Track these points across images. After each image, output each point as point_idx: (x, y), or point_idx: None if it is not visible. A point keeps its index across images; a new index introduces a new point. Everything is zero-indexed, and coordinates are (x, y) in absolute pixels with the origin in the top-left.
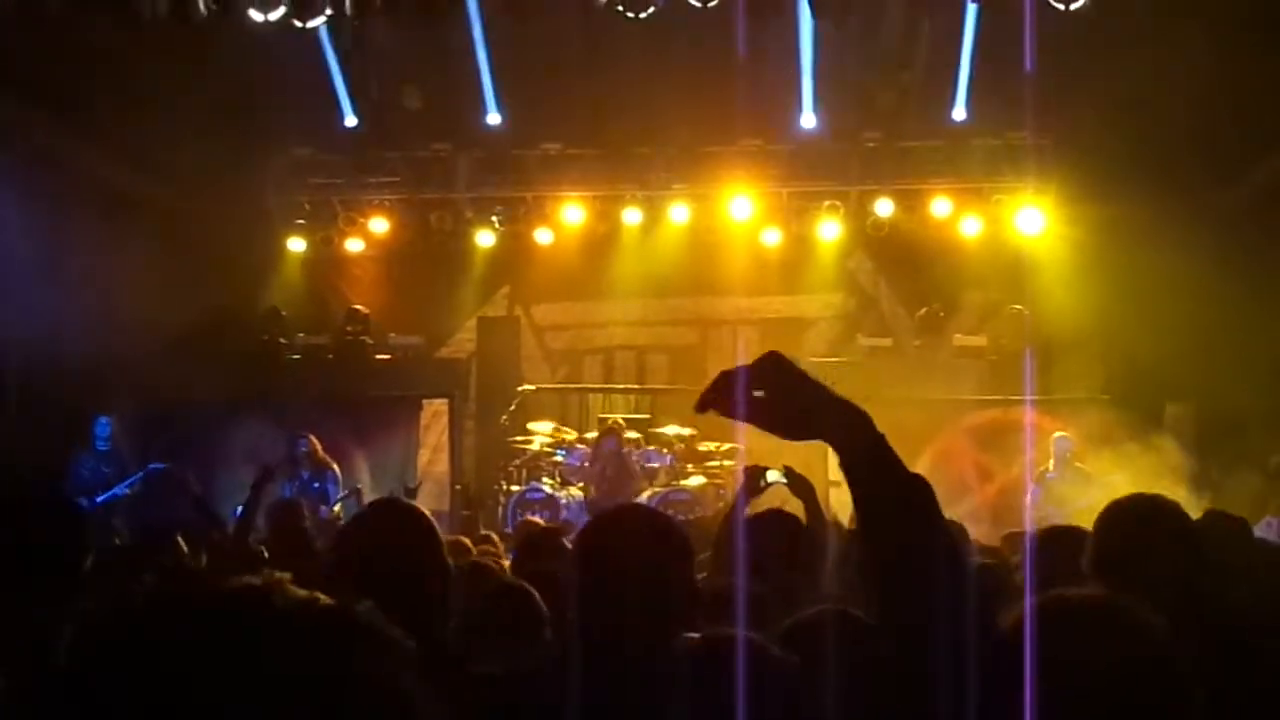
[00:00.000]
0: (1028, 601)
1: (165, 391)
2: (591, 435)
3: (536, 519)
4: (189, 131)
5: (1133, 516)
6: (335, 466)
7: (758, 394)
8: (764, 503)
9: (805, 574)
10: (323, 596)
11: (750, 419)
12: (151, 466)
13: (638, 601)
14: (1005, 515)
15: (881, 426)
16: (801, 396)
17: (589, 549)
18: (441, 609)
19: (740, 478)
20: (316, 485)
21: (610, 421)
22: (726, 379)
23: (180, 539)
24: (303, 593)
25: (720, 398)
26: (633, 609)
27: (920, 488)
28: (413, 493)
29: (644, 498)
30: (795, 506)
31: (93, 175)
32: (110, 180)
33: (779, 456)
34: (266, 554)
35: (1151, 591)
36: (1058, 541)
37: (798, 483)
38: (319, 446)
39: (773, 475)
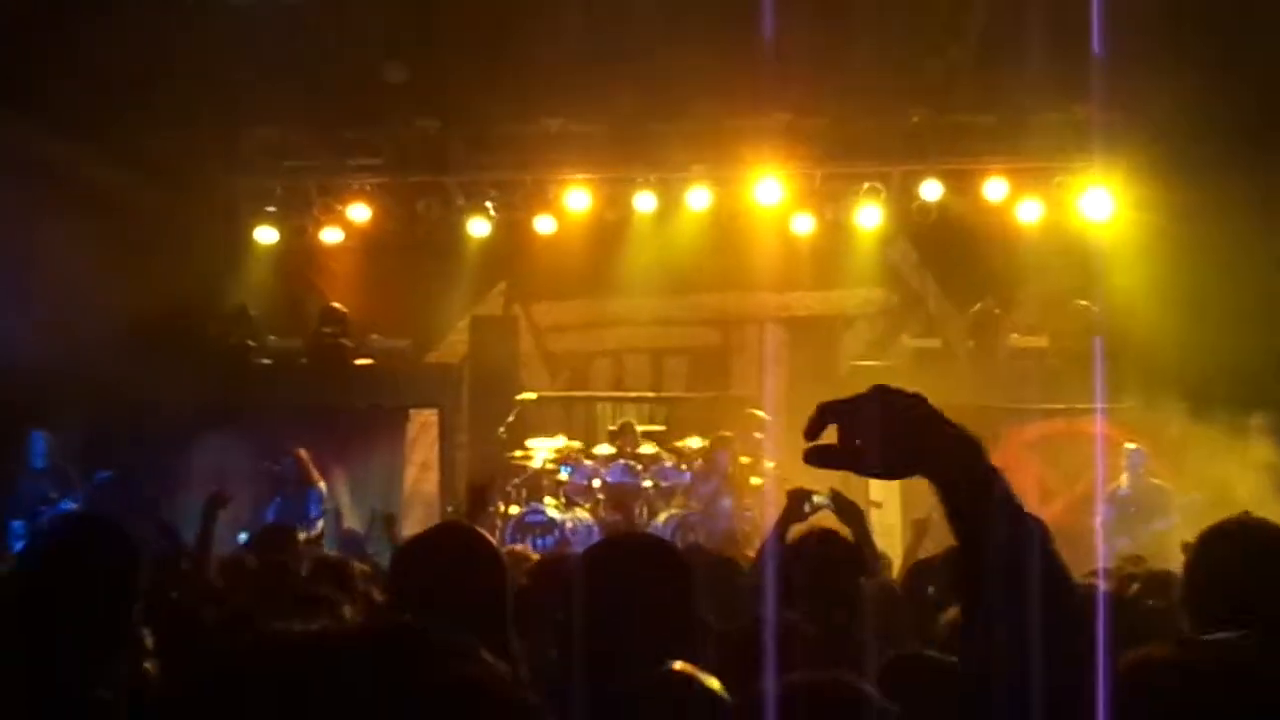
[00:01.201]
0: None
1: (117, 403)
2: (602, 450)
3: (523, 548)
4: (144, 108)
5: (1236, 544)
6: (321, 484)
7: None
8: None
9: (856, 610)
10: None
11: (855, 468)
12: (100, 475)
13: (631, 633)
14: (1072, 539)
15: None
16: (909, 437)
17: (581, 581)
18: (510, 635)
19: (767, 498)
20: (299, 505)
21: (726, 433)
22: (831, 418)
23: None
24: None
25: (828, 453)
26: (625, 640)
27: (1041, 534)
28: (390, 520)
29: (661, 520)
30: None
31: (34, 157)
32: (54, 163)
33: (815, 474)
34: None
35: (1269, 633)
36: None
37: (846, 509)
38: (309, 462)
39: (818, 500)
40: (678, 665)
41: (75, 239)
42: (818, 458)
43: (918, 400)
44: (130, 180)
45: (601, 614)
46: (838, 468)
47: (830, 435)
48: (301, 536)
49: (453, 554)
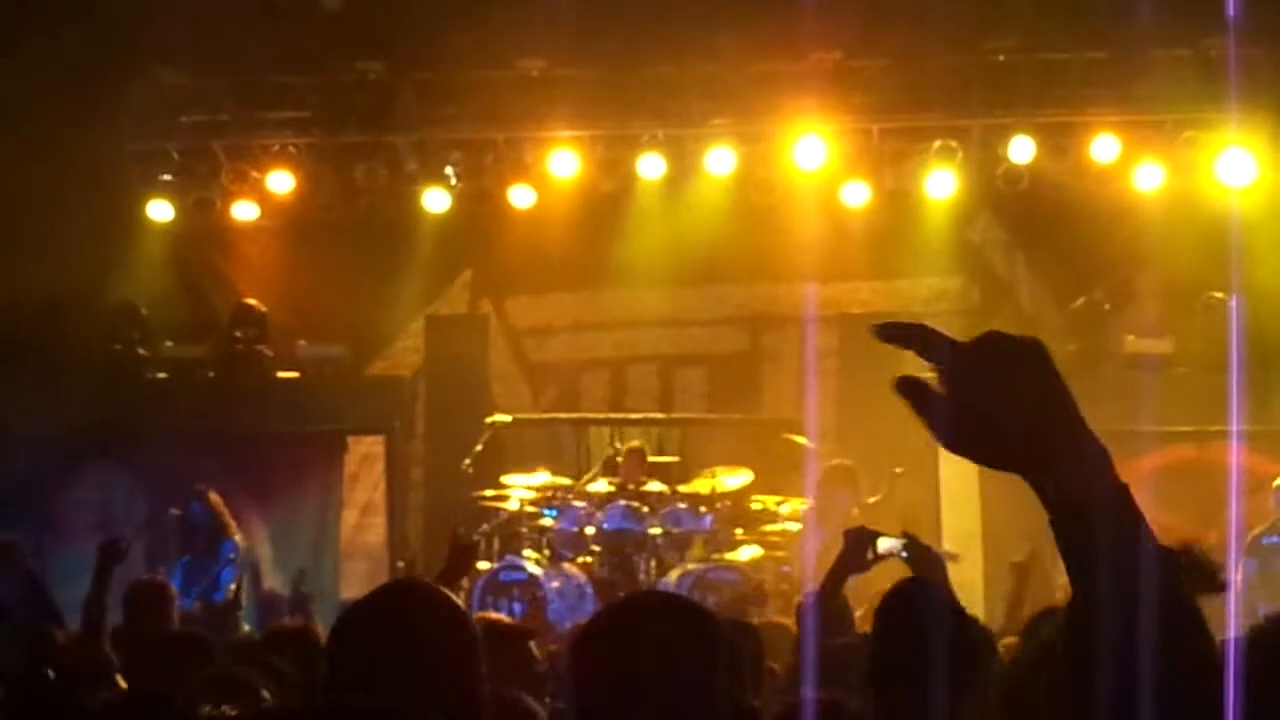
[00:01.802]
0: None
1: None
2: (597, 487)
3: (496, 615)
4: (4, 48)
5: None
6: (236, 536)
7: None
8: (873, 583)
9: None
10: None
11: (944, 425)
12: None
13: None
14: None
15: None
16: (1031, 411)
17: (588, 658)
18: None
19: (817, 542)
20: (211, 566)
21: (837, 463)
22: (925, 340)
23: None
24: None
25: (920, 390)
26: None
27: (1176, 571)
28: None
29: (673, 578)
30: None
31: None
32: None
33: (871, 517)
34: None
35: None
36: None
37: (922, 557)
38: (220, 505)
39: (887, 544)
40: None
41: None
42: (907, 387)
43: (1052, 373)
44: None
45: (609, 706)
46: (922, 415)
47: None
48: (219, 598)
49: (409, 624)
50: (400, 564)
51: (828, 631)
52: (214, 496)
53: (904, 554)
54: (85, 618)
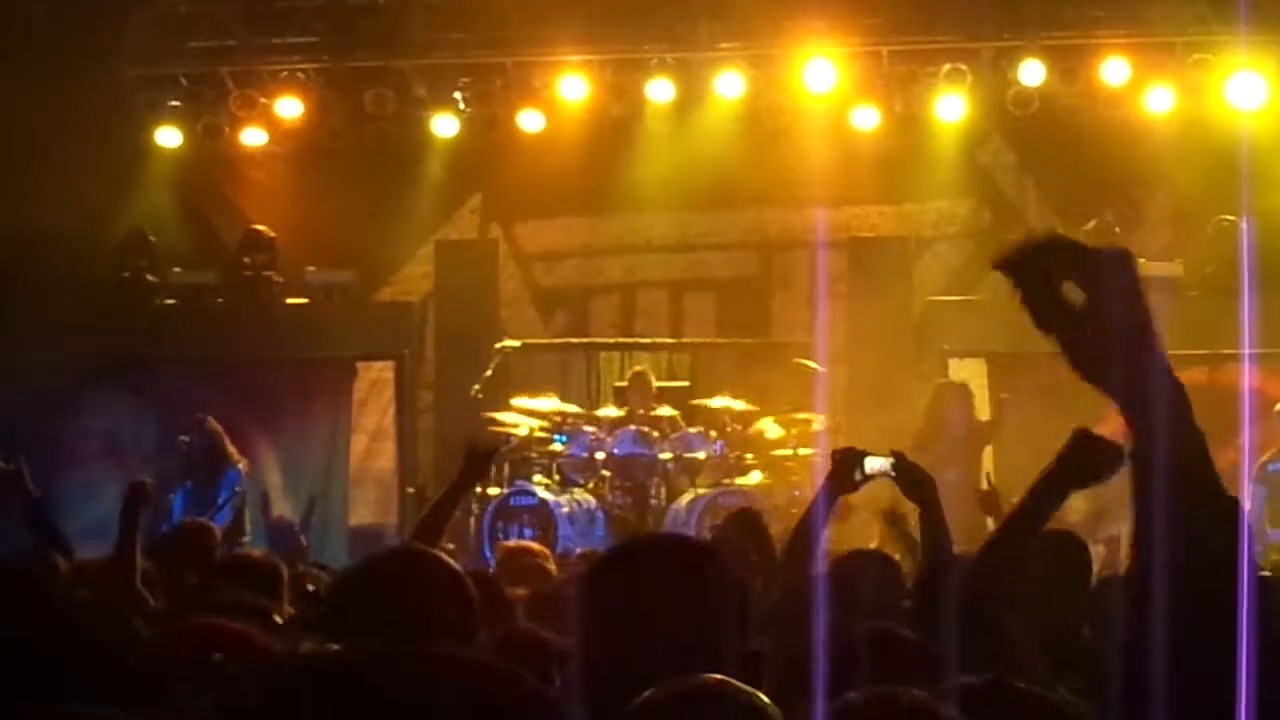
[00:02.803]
0: None
1: None
2: (607, 413)
3: (526, 543)
4: None
5: None
6: (240, 464)
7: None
8: (863, 504)
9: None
10: None
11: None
12: None
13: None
14: None
15: (1033, 393)
16: (1140, 317)
17: (594, 599)
18: None
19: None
20: (211, 493)
21: (948, 382)
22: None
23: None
24: None
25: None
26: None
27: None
28: (305, 522)
29: (683, 503)
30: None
31: None
32: None
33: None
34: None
35: None
36: None
37: (911, 477)
38: (220, 433)
39: (875, 464)
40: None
41: None
42: (1006, 264)
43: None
44: None
45: (614, 648)
46: (1029, 301)
47: None
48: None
49: (408, 592)
50: (410, 490)
51: (800, 559)
52: (213, 424)
53: (892, 474)
54: (117, 561)
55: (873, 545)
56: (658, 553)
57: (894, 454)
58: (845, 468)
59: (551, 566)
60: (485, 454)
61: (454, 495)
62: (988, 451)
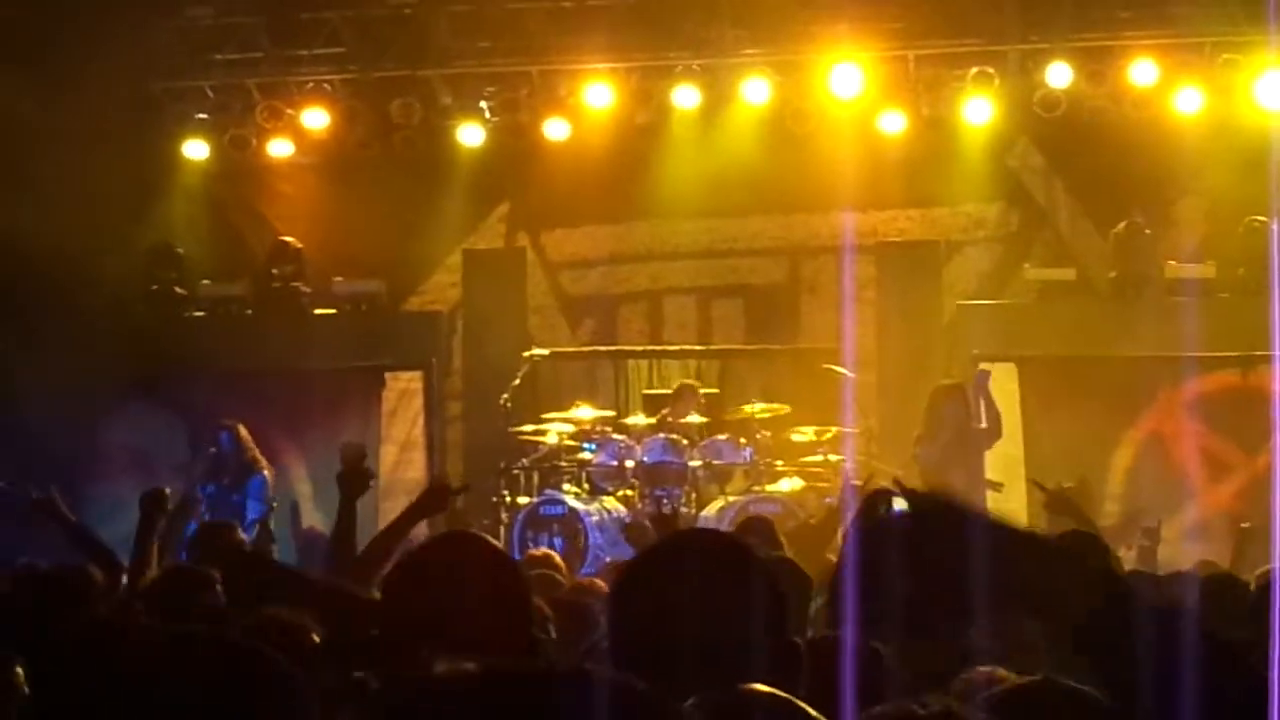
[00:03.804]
0: None
1: (3, 370)
2: (636, 421)
3: (548, 551)
4: None
5: None
6: (266, 470)
7: None
8: None
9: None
10: None
11: None
12: None
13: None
14: (1250, 531)
15: (1065, 395)
16: None
17: (627, 595)
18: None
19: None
20: (236, 497)
21: (948, 382)
22: None
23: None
24: None
25: None
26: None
27: None
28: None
29: (713, 510)
30: None
31: None
32: None
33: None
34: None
35: None
36: None
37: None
38: (249, 440)
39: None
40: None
41: None
42: None
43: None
44: (11, 80)
45: (647, 643)
46: None
47: None
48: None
49: (469, 574)
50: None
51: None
52: (242, 430)
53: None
54: (133, 568)
55: None
56: (694, 548)
57: (899, 486)
58: (873, 509)
59: (561, 578)
60: (444, 489)
61: (398, 528)
62: (1019, 453)
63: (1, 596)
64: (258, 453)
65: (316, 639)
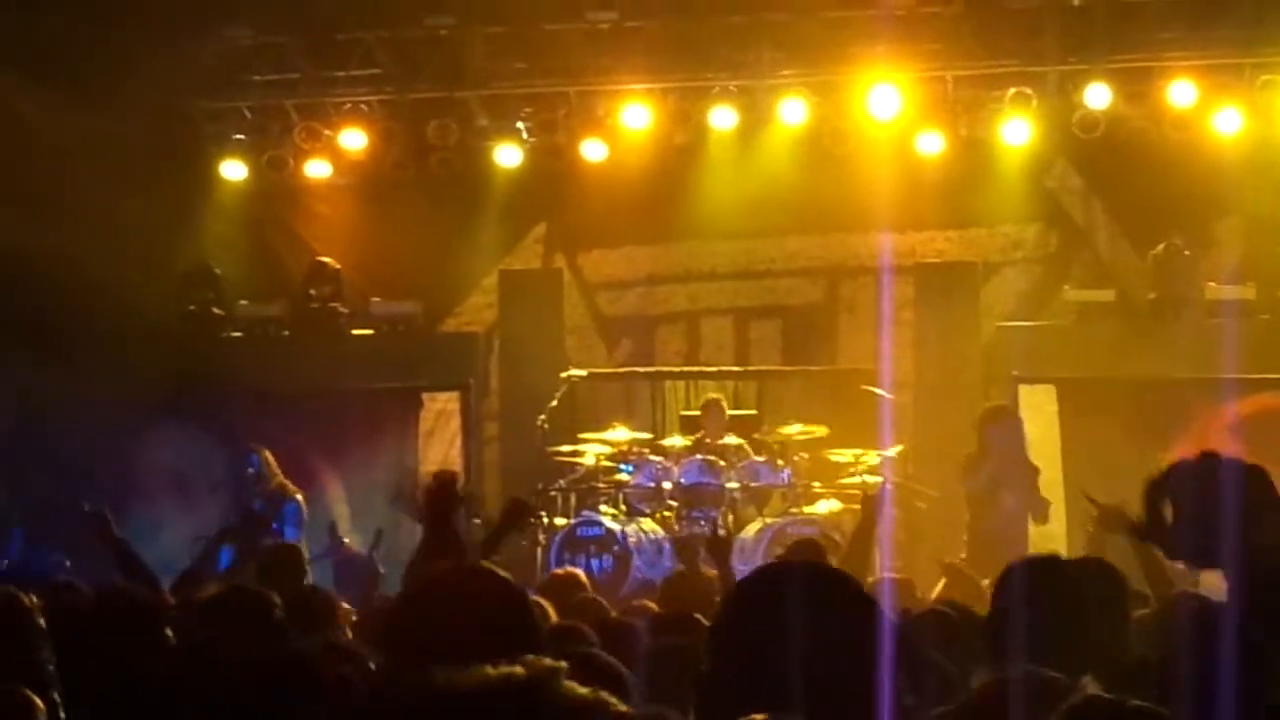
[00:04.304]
0: None
1: (41, 391)
2: (674, 442)
3: (574, 570)
4: (67, 9)
5: None
6: (298, 495)
7: None
8: None
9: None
10: None
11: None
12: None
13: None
14: None
15: (1104, 417)
16: None
17: (730, 635)
18: None
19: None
20: (275, 524)
21: (997, 404)
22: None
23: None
24: None
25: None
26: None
27: None
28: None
29: (751, 532)
30: None
31: None
32: None
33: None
34: None
35: None
36: None
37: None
38: (275, 465)
39: None
40: None
41: None
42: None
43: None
44: (51, 103)
45: (770, 678)
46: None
47: None
48: None
49: (473, 610)
50: (477, 520)
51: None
52: (267, 456)
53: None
54: (180, 586)
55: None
56: (801, 578)
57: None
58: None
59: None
60: (523, 504)
61: (491, 545)
62: (1058, 475)
63: (84, 616)
64: (284, 478)
65: (372, 666)
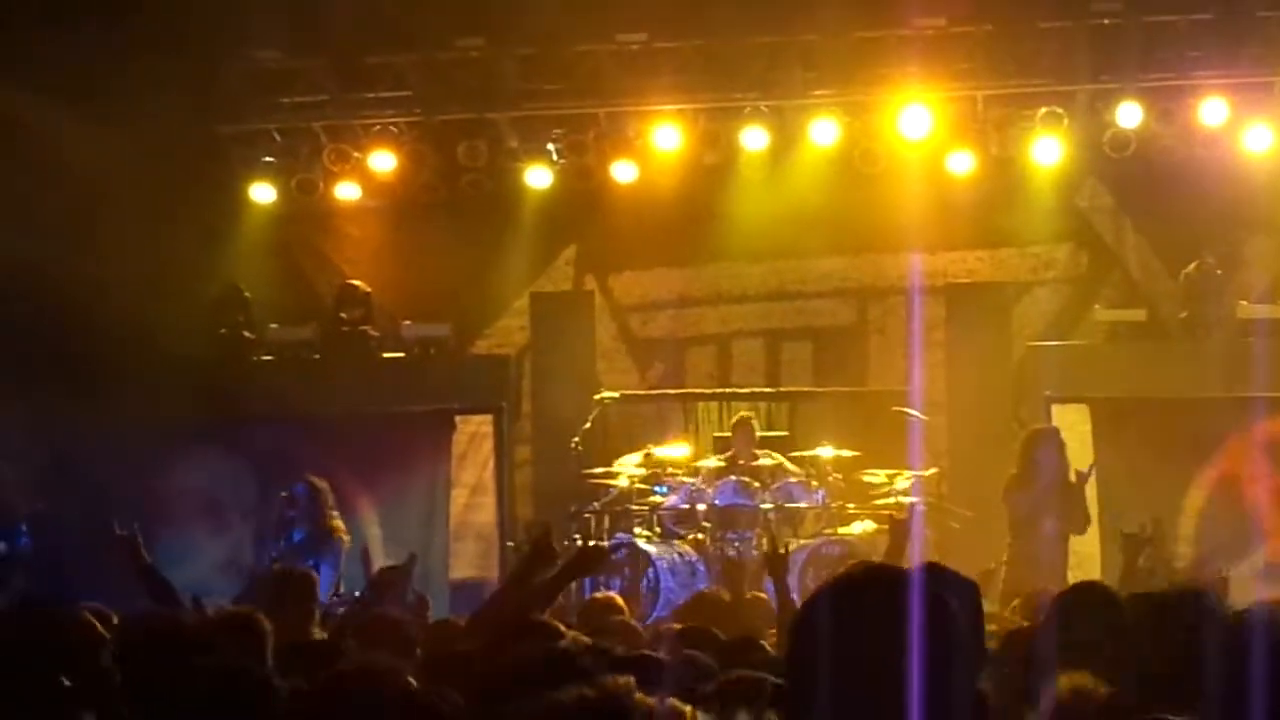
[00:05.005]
0: None
1: (73, 417)
2: (707, 463)
3: (610, 595)
4: (95, 32)
5: None
6: (345, 537)
7: None
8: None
9: None
10: None
11: None
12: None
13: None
14: None
15: (1136, 437)
16: None
17: (808, 642)
18: None
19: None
20: (312, 560)
21: (1043, 427)
22: None
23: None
24: None
25: None
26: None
27: None
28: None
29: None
30: None
31: None
32: None
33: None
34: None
35: None
36: None
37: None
38: (329, 500)
39: None
40: None
41: (23, 210)
42: None
43: None
44: (80, 127)
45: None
46: None
47: None
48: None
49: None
50: (510, 544)
51: None
52: (319, 484)
53: None
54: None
55: None
56: (892, 586)
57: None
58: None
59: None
60: (599, 551)
61: (557, 585)
62: (1091, 495)
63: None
64: (334, 515)
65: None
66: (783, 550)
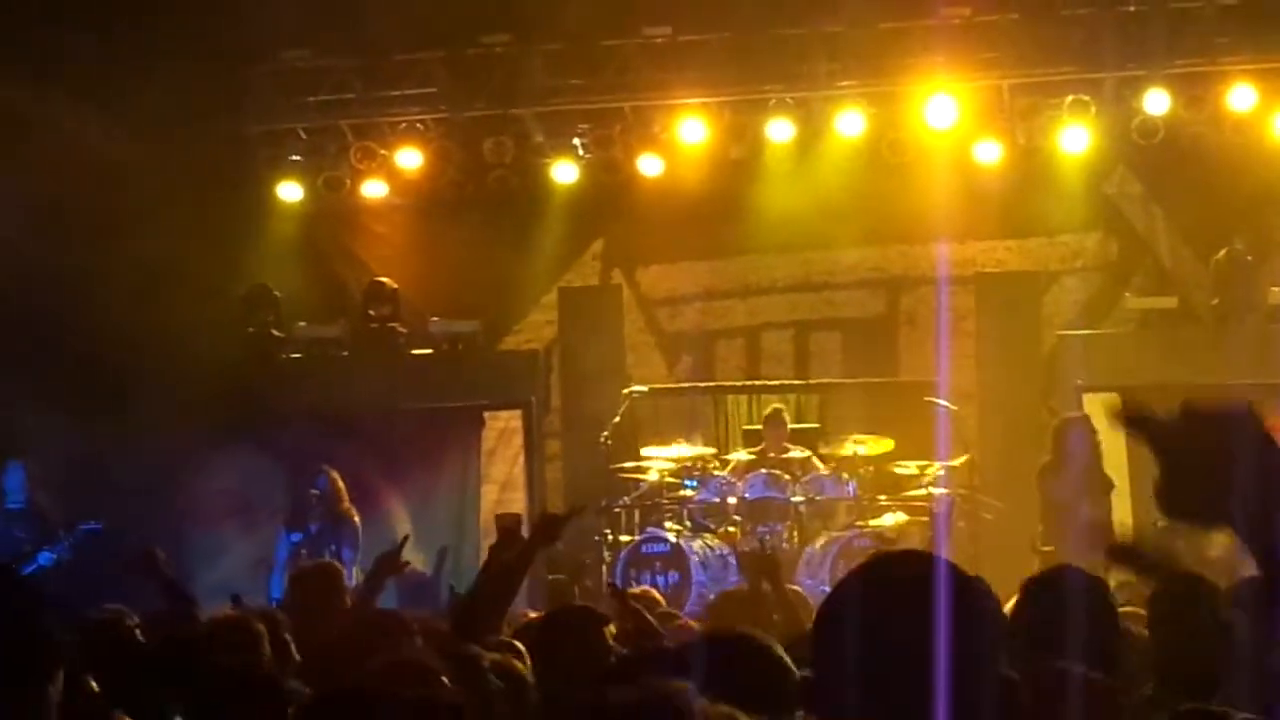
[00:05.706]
0: None
1: (104, 418)
2: (737, 456)
3: (647, 589)
4: (121, 33)
5: None
6: (356, 518)
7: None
8: None
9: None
10: None
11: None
12: (83, 527)
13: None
14: None
15: None
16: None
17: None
18: None
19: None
20: (333, 545)
21: (1074, 414)
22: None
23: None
24: None
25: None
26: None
27: None
28: (437, 574)
29: (817, 546)
30: None
31: None
32: (12, 104)
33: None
34: None
35: None
36: None
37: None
38: (343, 489)
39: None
40: None
41: (54, 212)
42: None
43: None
44: (108, 128)
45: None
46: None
47: None
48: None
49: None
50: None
51: None
52: (335, 476)
53: None
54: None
55: None
56: (920, 569)
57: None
58: None
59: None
60: (554, 519)
61: (521, 564)
62: (1124, 484)
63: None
64: (348, 502)
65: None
66: (770, 550)
